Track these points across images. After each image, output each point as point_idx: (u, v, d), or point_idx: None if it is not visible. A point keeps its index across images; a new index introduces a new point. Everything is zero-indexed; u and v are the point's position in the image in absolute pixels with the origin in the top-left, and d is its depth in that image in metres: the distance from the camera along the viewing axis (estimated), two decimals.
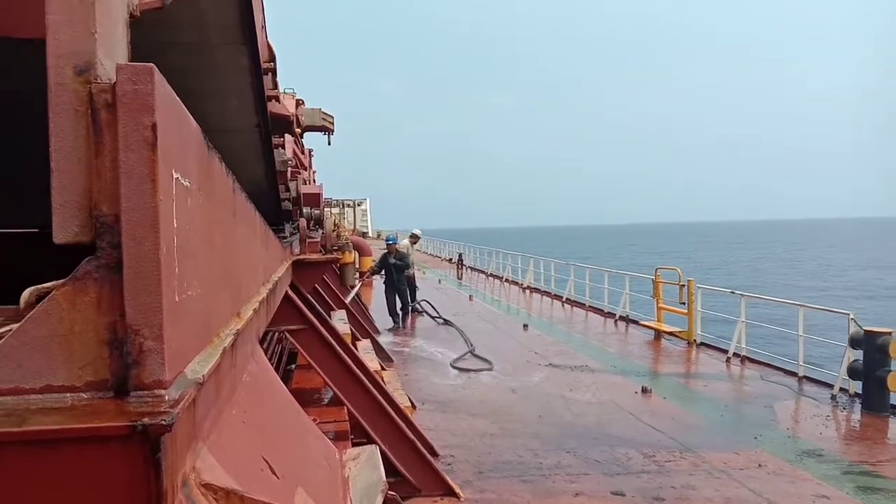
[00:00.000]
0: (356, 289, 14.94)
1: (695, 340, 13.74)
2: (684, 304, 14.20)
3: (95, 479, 1.05)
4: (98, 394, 1.14)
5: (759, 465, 6.76)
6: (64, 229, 1.15)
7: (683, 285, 14.29)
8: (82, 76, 1.16)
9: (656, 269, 15.93)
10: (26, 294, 1.41)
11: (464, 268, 31.04)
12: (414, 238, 17.80)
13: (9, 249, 4.56)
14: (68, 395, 1.13)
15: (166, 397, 1.14)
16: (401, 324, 15.27)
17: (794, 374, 10.96)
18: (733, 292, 13.61)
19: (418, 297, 17.42)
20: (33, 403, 1.11)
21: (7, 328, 1.92)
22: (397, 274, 15.48)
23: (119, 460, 1.05)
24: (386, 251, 16.05)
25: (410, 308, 16.23)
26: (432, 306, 16.83)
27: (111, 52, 1.24)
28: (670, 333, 14.46)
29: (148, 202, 1.14)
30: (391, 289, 15.61)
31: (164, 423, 1.04)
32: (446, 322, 15.73)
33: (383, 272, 15.99)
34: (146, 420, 1.04)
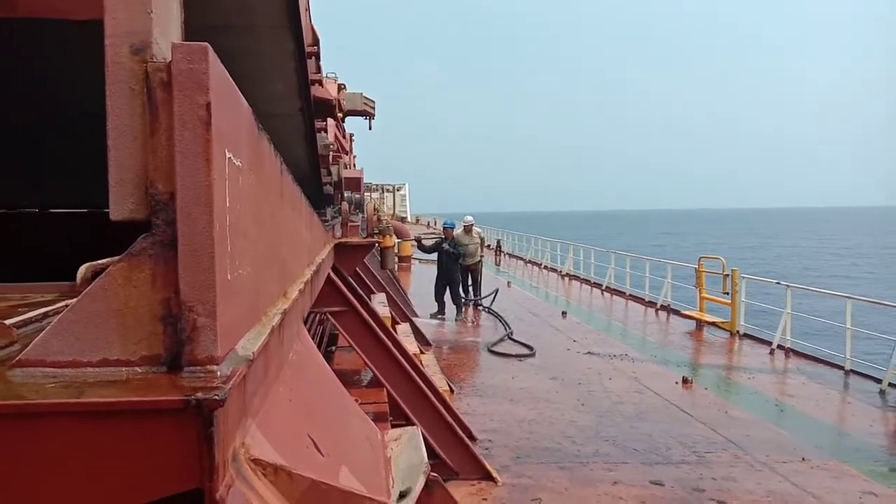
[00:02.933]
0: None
1: (738, 331, 13.50)
2: (728, 293, 13.94)
3: (149, 450, 1.07)
4: (152, 368, 1.16)
5: (803, 459, 6.62)
6: (120, 206, 1.17)
7: (727, 275, 14.03)
8: (138, 55, 1.17)
9: (699, 258, 15.66)
10: (82, 270, 1.45)
11: (502, 254, 30.94)
12: (466, 228, 15.91)
13: (58, 228, 4.68)
14: (124, 368, 1.15)
15: (218, 373, 1.15)
16: (444, 312, 14.76)
17: (840, 367, 10.69)
18: (779, 283, 13.32)
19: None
20: (91, 376, 1.13)
21: (64, 303, 1.97)
22: (448, 261, 14.90)
23: (172, 434, 1.06)
24: (442, 235, 15.45)
25: (465, 301, 15.33)
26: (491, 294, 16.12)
27: (166, 32, 1.25)
28: (712, 324, 14.23)
29: (202, 180, 1.15)
30: (442, 274, 15.03)
31: (216, 398, 1.06)
32: (490, 311, 15.33)
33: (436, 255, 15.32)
34: (199, 395, 1.06)
